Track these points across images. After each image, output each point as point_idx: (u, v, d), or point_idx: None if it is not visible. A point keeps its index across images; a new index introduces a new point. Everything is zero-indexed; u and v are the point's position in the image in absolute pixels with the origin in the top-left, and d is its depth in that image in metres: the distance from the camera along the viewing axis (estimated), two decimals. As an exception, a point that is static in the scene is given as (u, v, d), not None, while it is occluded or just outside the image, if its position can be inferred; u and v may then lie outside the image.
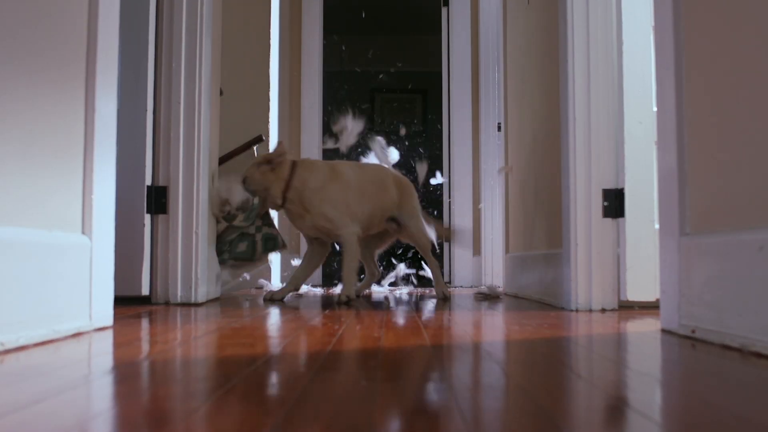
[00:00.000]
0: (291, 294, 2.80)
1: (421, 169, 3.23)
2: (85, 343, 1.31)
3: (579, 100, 2.15)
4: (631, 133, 2.10)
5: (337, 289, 3.52)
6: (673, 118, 1.51)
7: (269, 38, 3.90)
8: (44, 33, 1.37)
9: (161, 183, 2.41)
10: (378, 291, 3.29)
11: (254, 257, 2.87)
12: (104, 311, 1.57)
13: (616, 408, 0.75)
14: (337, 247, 2.86)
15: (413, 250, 2.95)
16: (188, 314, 1.96)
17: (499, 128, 3.62)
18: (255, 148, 3.78)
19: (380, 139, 3.06)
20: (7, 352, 1.15)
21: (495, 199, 3.85)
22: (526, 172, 2.95)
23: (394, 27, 7.77)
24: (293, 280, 2.69)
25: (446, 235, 3.24)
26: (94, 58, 1.55)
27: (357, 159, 3.08)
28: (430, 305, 2.38)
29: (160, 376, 0.94)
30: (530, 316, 1.91)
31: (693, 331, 1.38)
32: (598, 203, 2.14)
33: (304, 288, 3.45)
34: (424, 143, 7.94)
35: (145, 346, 1.28)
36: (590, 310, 2.08)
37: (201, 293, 2.41)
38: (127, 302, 2.28)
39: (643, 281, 2.06)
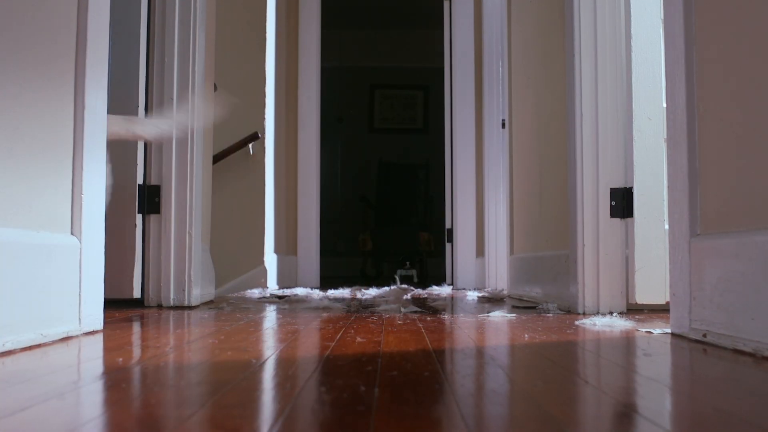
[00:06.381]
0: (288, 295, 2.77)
1: None
2: (74, 347, 1.30)
3: (586, 96, 2.13)
4: (640, 129, 2.08)
5: (335, 291, 3.49)
6: (684, 115, 1.49)
7: (265, 32, 3.87)
8: (32, 26, 1.36)
9: (153, 182, 2.39)
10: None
11: None
12: (94, 315, 1.56)
13: (625, 415, 0.74)
14: None
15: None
16: (181, 318, 1.95)
17: (503, 125, 3.59)
18: (250, 145, 3.75)
19: None
20: (-8, 357, 1.14)
21: (499, 198, 3.81)
22: (532, 171, 2.93)
23: (395, 21, 7.75)
24: None
25: None
26: (84, 52, 1.54)
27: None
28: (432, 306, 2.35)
29: (151, 382, 0.93)
30: (535, 319, 1.89)
31: (704, 335, 1.37)
32: (605, 203, 2.12)
33: (304, 290, 3.42)
34: (426, 140, 7.92)
35: (136, 351, 1.27)
36: (598, 313, 2.05)
37: (195, 296, 2.40)
38: (117, 305, 2.28)
39: (653, 283, 2.04)
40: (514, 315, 2.00)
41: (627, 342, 1.41)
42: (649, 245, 2.05)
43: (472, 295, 3.10)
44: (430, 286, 4.12)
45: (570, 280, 2.18)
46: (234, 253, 3.62)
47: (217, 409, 0.74)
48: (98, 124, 1.60)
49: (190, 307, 2.33)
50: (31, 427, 0.67)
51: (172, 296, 2.36)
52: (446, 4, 4.76)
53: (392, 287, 3.24)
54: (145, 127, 2.19)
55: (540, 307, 2.23)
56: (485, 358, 1.15)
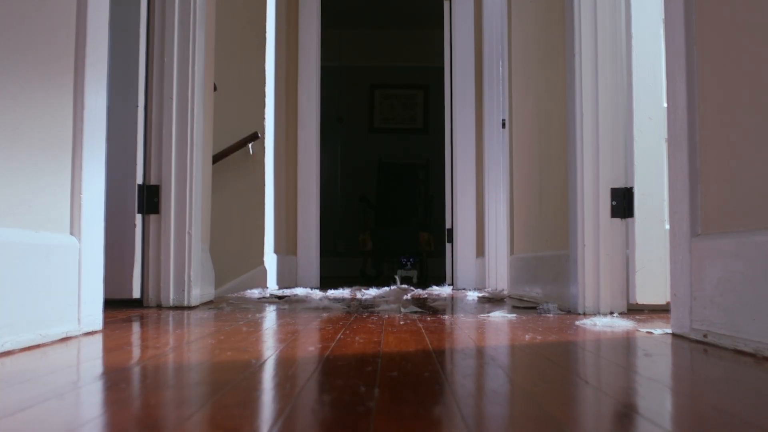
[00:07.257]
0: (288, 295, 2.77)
1: None
2: (74, 348, 1.30)
3: (586, 96, 2.12)
4: (640, 129, 2.07)
5: (335, 291, 3.49)
6: (685, 114, 1.49)
7: (265, 31, 3.86)
8: (32, 26, 1.36)
9: (153, 182, 2.39)
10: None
11: None
12: (93, 315, 1.55)
13: (625, 415, 0.74)
14: None
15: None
16: (181, 318, 1.95)
17: (503, 125, 3.58)
18: (250, 145, 3.75)
19: None
20: (-10, 358, 1.14)
21: (499, 198, 3.81)
22: (532, 171, 2.92)
23: (395, 21, 7.74)
24: None
25: None
26: (83, 52, 1.54)
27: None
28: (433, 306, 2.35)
29: (151, 383, 0.93)
30: (536, 319, 1.89)
31: (705, 336, 1.36)
32: (606, 202, 2.11)
33: (304, 291, 3.42)
34: (426, 140, 7.91)
35: (136, 351, 1.26)
36: (598, 313, 2.04)
37: (194, 296, 2.39)
38: (117, 305, 2.27)
39: (653, 284, 2.03)
40: (514, 315, 1.99)
41: (627, 342, 1.41)
42: (649, 245, 2.05)
43: (473, 295, 3.10)
44: (430, 286, 4.11)
45: (570, 280, 2.17)
46: (234, 253, 3.61)
47: (217, 409, 0.74)
48: (98, 124, 1.59)
49: (189, 308, 2.32)
50: (31, 427, 0.67)
51: (171, 296, 2.35)
52: (446, 4, 4.75)
53: (392, 287, 3.24)
54: None
55: (540, 307, 2.22)
56: (485, 359, 1.15)
